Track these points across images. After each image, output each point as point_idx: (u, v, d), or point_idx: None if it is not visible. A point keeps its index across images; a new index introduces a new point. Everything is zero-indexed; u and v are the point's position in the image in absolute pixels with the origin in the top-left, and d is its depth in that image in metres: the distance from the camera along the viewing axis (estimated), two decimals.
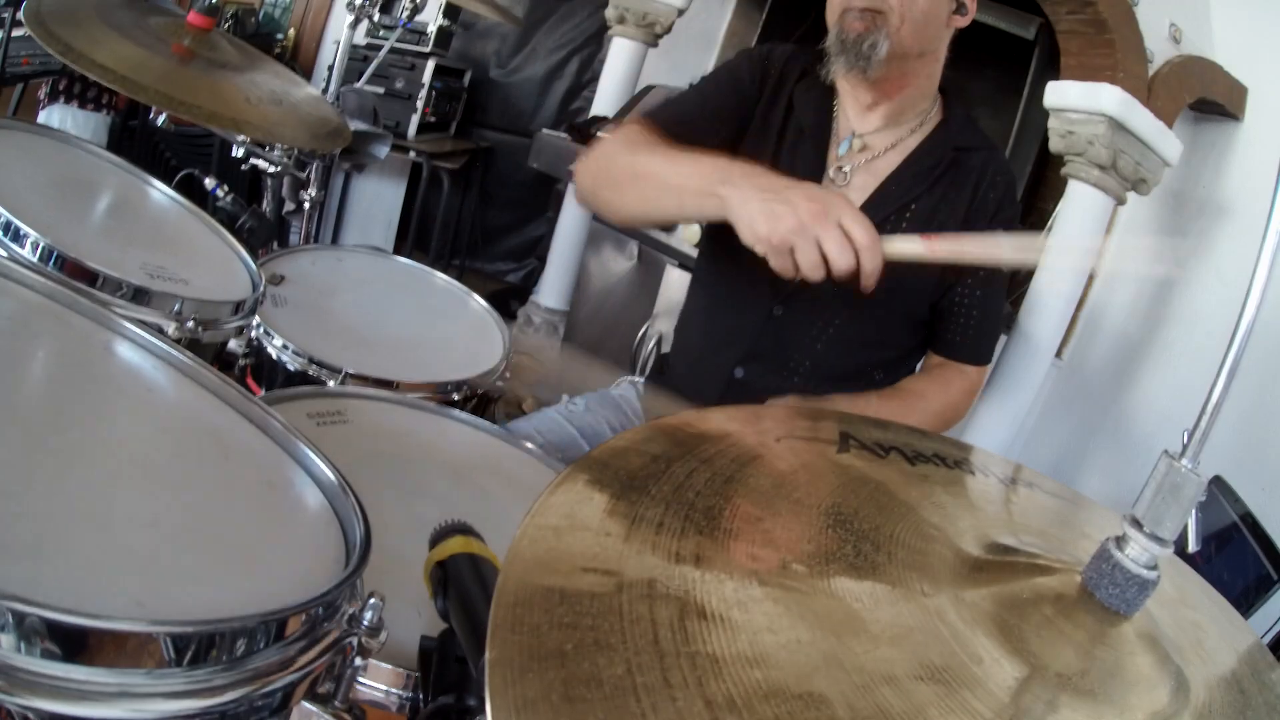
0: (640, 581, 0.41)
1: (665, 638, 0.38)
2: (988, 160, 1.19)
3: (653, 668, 0.36)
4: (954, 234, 0.88)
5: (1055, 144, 2.06)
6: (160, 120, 1.52)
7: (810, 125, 1.20)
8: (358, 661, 0.58)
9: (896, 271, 1.14)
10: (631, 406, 1.41)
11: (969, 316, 1.22)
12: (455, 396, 1.23)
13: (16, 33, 2.38)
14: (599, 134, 2.45)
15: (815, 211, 0.84)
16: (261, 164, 1.65)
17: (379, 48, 2.47)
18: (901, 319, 1.22)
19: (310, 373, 1.16)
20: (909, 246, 0.87)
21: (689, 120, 1.18)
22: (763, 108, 1.24)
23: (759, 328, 1.20)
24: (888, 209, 1.16)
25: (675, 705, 0.34)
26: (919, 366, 1.34)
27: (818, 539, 0.50)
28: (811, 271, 0.85)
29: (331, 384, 1.14)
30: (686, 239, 2.34)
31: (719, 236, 1.29)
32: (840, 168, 1.19)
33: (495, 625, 0.36)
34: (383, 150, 1.83)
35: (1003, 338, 2.14)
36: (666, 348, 1.46)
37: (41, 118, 2.69)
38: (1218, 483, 1.62)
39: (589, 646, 0.36)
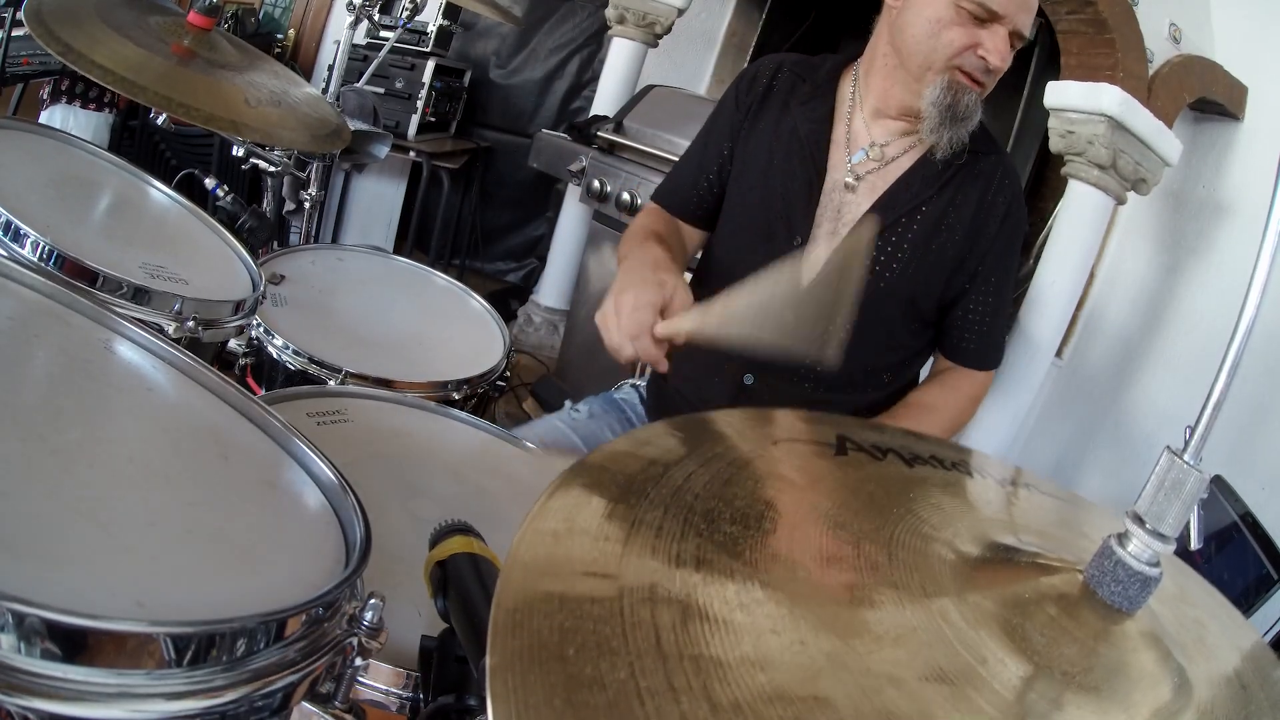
0: (641, 586, 0.41)
1: (668, 641, 0.38)
2: (997, 164, 1.19)
3: (656, 671, 0.36)
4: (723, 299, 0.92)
5: (1055, 144, 2.06)
6: (160, 120, 1.51)
7: (807, 134, 1.20)
8: (358, 661, 0.58)
9: (905, 273, 1.15)
10: (635, 410, 1.41)
11: (982, 324, 1.22)
12: (455, 396, 1.23)
13: (17, 32, 2.38)
14: (599, 133, 2.45)
15: (613, 305, 0.98)
16: (262, 164, 1.65)
17: (379, 48, 2.47)
18: (910, 321, 1.22)
19: (310, 372, 1.16)
20: (682, 324, 0.95)
21: (677, 190, 1.33)
22: (750, 121, 1.25)
23: None
24: (897, 212, 1.16)
25: (680, 709, 0.34)
26: (924, 369, 1.34)
27: (818, 540, 0.50)
28: (613, 349, 0.98)
29: (331, 384, 1.14)
30: None
31: (725, 239, 1.29)
32: (853, 172, 1.19)
33: (495, 630, 0.36)
34: (383, 150, 1.83)
35: None
36: None
37: (43, 118, 2.69)
38: (1218, 482, 1.62)
39: (591, 651, 0.36)
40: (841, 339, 0.86)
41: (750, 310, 0.88)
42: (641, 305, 0.95)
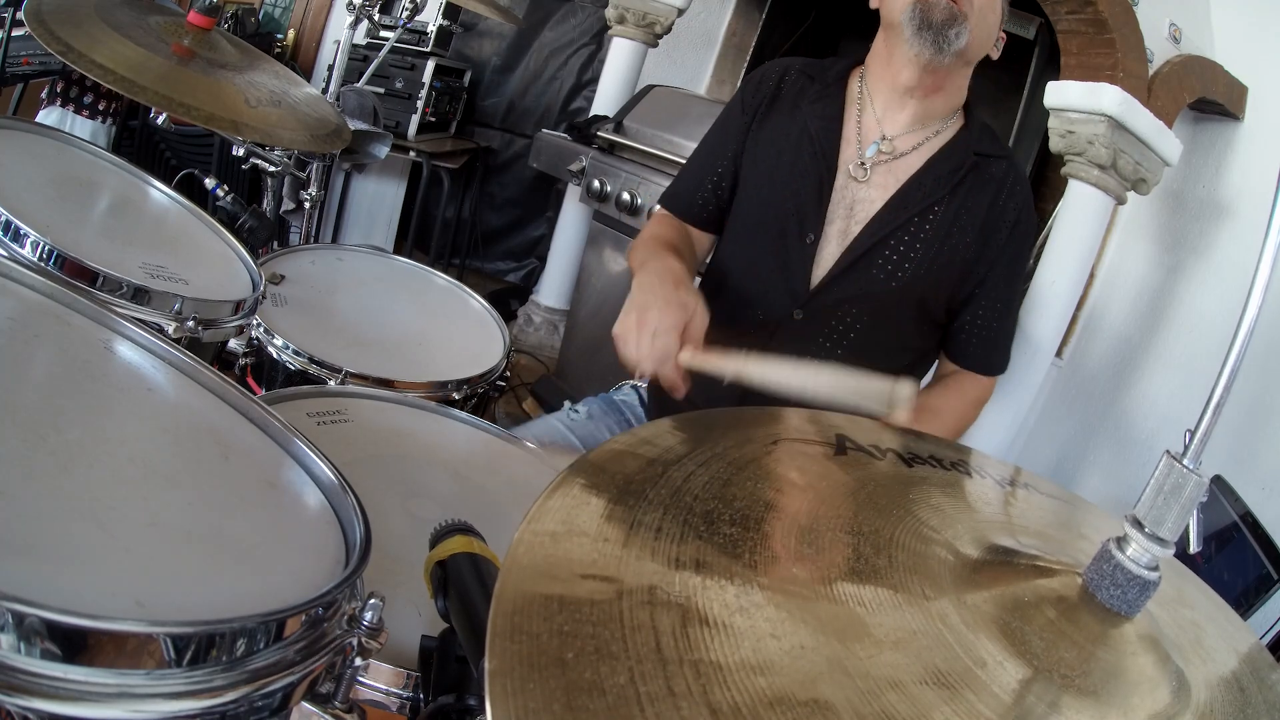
0: (640, 588, 0.41)
1: (668, 645, 0.37)
2: (1008, 169, 1.20)
3: (656, 676, 0.36)
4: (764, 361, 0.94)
5: (1055, 144, 2.06)
6: (160, 120, 1.51)
7: (817, 131, 1.20)
8: (358, 661, 0.58)
9: (917, 274, 1.15)
10: (634, 411, 1.41)
11: (988, 329, 1.23)
12: (455, 396, 1.23)
13: (17, 32, 2.38)
14: (599, 133, 2.45)
15: (636, 321, 0.98)
16: (262, 164, 1.65)
17: (379, 48, 2.47)
18: (920, 323, 1.22)
19: (310, 372, 1.16)
20: (715, 364, 0.96)
21: (684, 194, 1.33)
22: (758, 124, 1.25)
23: (778, 333, 1.19)
24: (910, 211, 1.15)
25: (680, 714, 0.34)
26: (931, 372, 1.34)
27: (817, 542, 0.50)
28: (631, 366, 0.98)
29: (332, 383, 1.14)
30: None
31: (736, 240, 1.28)
32: (861, 164, 1.19)
33: (494, 633, 0.36)
34: (383, 150, 1.83)
35: None
36: None
37: (39, 117, 2.68)
38: (1218, 482, 1.62)
39: (590, 655, 0.36)
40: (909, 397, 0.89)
41: (796, 373, 0.91)
42: (665, 330, 0.96)
